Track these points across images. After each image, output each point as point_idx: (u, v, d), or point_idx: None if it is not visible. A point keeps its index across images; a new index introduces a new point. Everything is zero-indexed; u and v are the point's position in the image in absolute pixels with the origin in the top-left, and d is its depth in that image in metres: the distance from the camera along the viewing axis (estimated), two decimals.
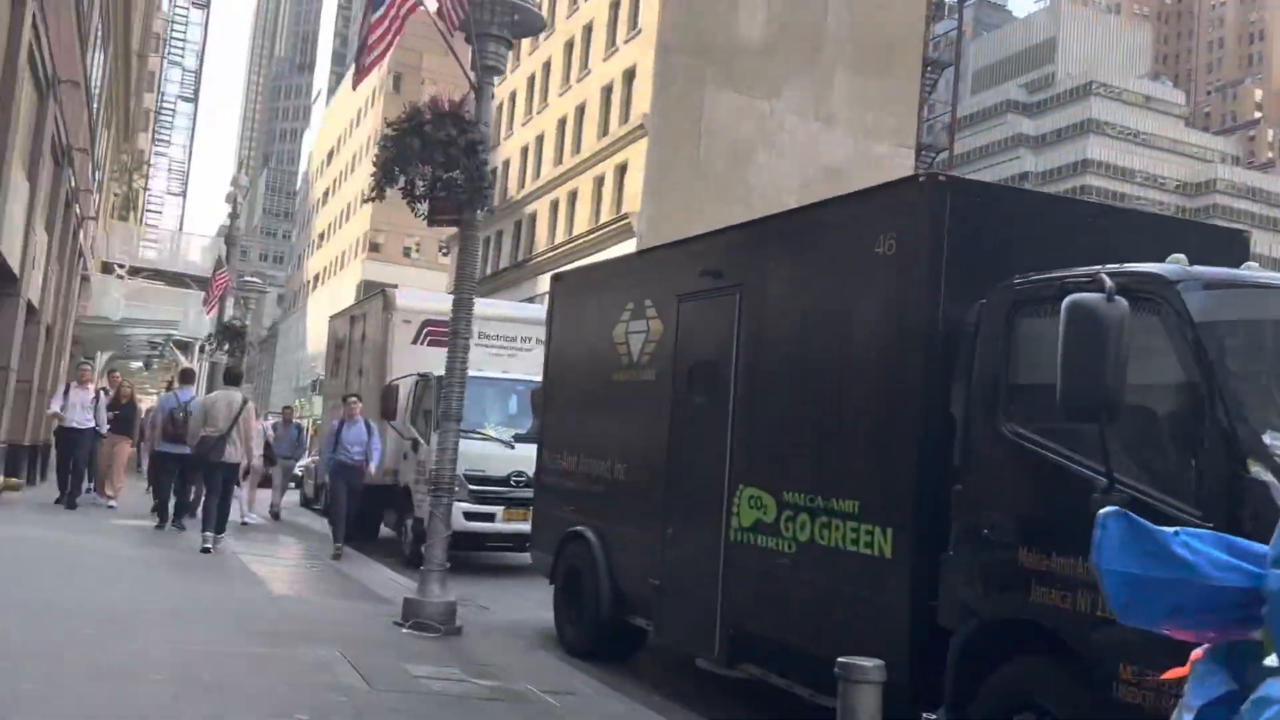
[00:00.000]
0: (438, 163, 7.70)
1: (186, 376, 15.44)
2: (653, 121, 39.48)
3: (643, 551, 7.61)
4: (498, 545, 13.79)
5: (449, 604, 7.97)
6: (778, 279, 6.59)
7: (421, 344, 14.58)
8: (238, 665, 5.77)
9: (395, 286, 17.32)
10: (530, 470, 12.81)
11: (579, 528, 8.49)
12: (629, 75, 41.89)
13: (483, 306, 17.68)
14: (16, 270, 12.94)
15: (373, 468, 13.10)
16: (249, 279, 26.40)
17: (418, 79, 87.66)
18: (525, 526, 13.06)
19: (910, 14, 44.07)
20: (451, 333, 8.29)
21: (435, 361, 14.16)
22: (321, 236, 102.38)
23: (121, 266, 32.71)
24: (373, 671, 6.02)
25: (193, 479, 13.07)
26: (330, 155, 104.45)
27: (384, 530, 15.33)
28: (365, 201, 8.29)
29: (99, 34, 21.34)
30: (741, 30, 41.11)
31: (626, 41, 42.32)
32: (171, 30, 46.30)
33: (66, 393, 14.36)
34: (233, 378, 13.62)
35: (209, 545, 11.44)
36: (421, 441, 13.38)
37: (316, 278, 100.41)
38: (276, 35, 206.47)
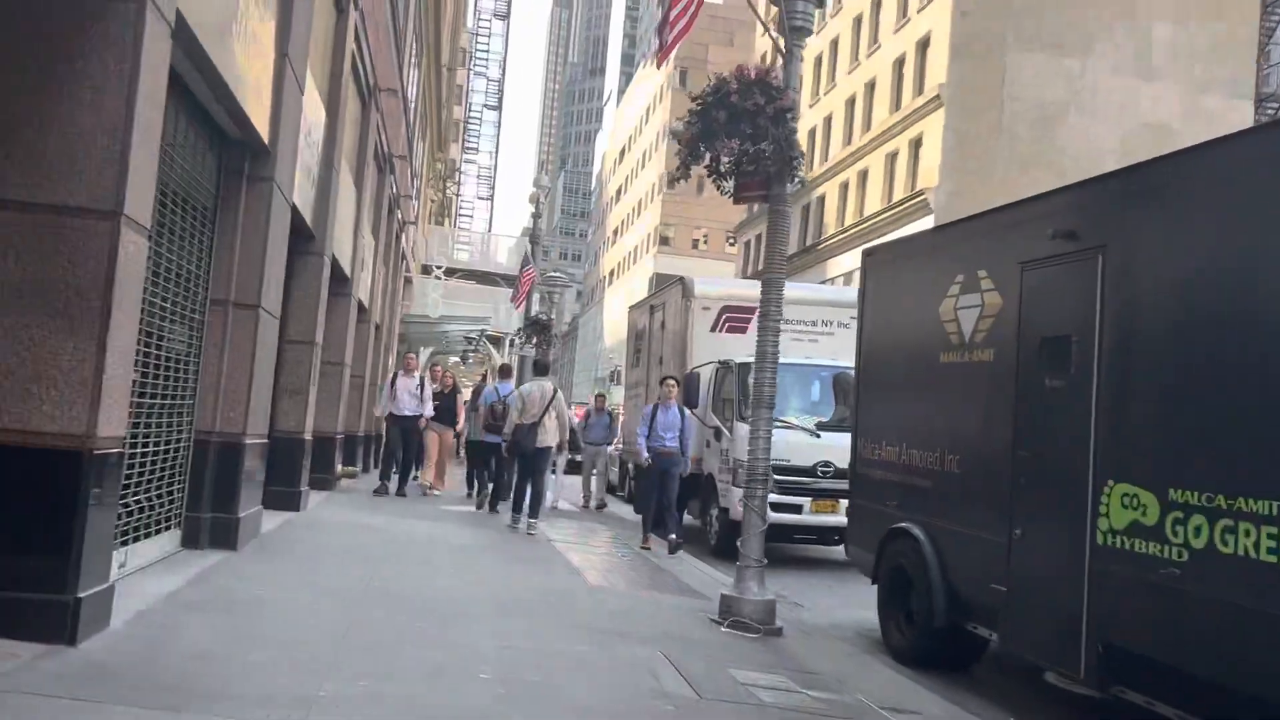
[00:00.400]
0: (745, 134, 7.23)
1: (505, 372, 16.14)
2: (949, 91, 37.46)
3: (983, 553, 6.78)
4: (804, 538, 13.27)
5: (768, 602, 7.52)
6: (1155, 237, 5.57)
7: (720, 331, 14.27)
8: (561, 665, 5.57)
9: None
10: (836, 460, 12.23)
11: (904, 524, 7.77)
12: (923, 45, 39.98)
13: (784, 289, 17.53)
14: (348, 271, 13.86)
15: (686, 461, 12.75)
16: (553, 275, 27.37)
17: (704, 73, 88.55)
18: (833, 519, 12.50)
19: None
20: (762, 314, 7.81)
21: (734, 348, 13.82)
22: (615, 233, 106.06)
23: (438, 268, 35.03)
24: (698, 677, 5.64)
25: (507, 466, 13.58)
26: (621, 154, 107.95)
27: (686, 518, 15.23)
28: (672, 182, 7.94)
29: (413, 50, 22.79)
30: None
31: (920, 10, 40.40)
32: (476, 43, 49.22)
33: (394, 382, 15.03)
34: (541, 369, 14.11)
35: (527, 529, 12.08)
36: (724, 430, 13.06)
37: (611, 273, 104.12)
38: (569, 42, 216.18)
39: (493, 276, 39.74)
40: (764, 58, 59.42)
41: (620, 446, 18.24)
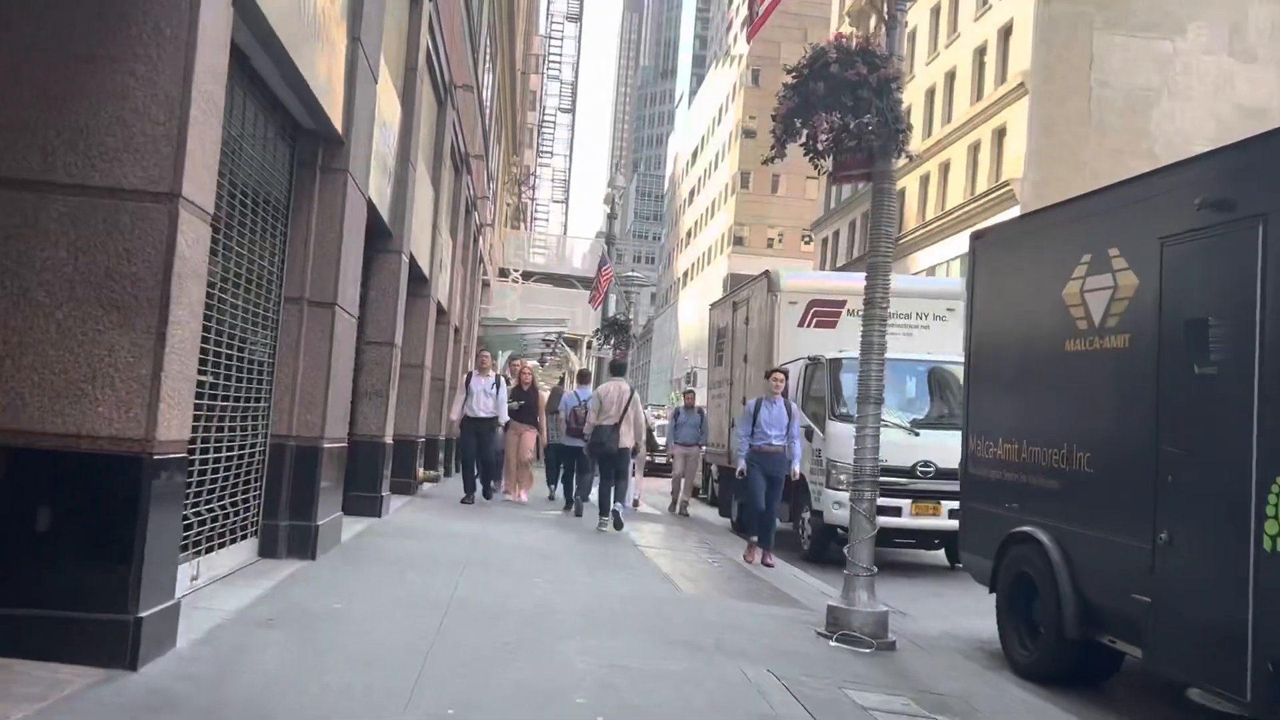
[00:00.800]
0: (846, 107, 6.66)
1: (584, 377, 16.01)
2: (1034, 78, 36.18)
3: (1121, 559, 6.11)
4: (903, 542, 12.59)
5: (879, 614, 6.94)
6: None
7: (809, 326, 13.65)
8: (661, 685, 5.07)
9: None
10: (936, 459, 11.54)
11: (1027, 528, 7.11)
12: (1005, 32, 38.69)
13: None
14: (426, 271, 13.59)
15: (795, 466, 11.33)
16: (630, 274, 26.95)
17: (777, 71, 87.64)
18: (934, 522, 11.82)
19: None
20: (867, 301, 7.22)
21: (823, 344, 13.19)
22: (689, 234, 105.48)
23: (515, 271, 34.93)
24: (813, 700, 5.10)
25: (589, 467, 13.54)
26: (694, 155, 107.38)
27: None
28: (765, 162, 7.37)
29: (487, 53, 22.59)
30: None
31: None
32: (549, 46, 49.16)
33: (469, 381, 14.09)
34: (618, 369, 13.98)
35: (611, 527, 12.11)
36: (815, 429, 12.44)
37: (685, 274, 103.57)
38: (640, 45, 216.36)
39: (569, 279, 39.56)
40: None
41: (705, 448, 17.48)
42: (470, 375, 14.44)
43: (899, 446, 11.73)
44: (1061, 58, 36.44)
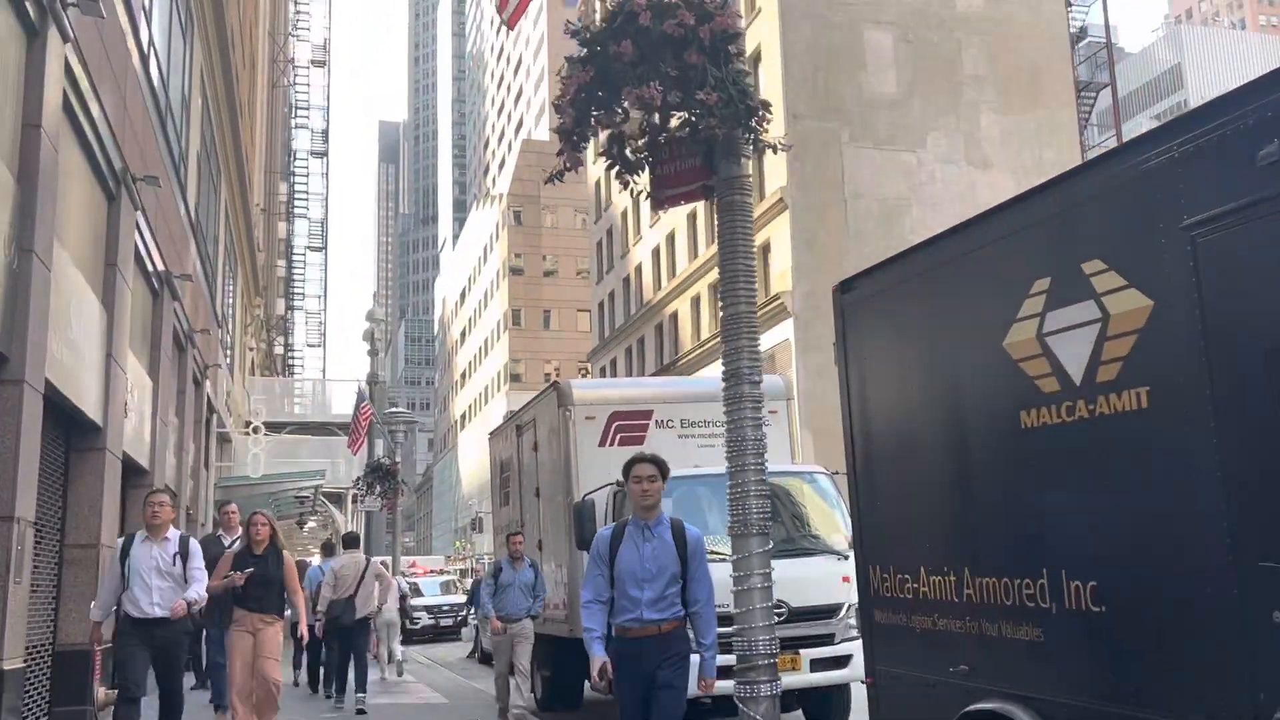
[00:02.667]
0: (668, 78, 4.26)
1: (327, 549, 15.42)
2: (791, 193, 36.37)
3: None
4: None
5: None
6: None
7: (612, 444, 11.02)
8: None
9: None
10: (789, 597, 9.00)
11: (991, 704, 4.65)
12: (759, 151, 38.96)
13: (677, 388, 13.74)
14: (146, 464, 12.65)
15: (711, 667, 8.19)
16: (394, 410, 23.63)
17: (537, 208, 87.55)
18: (797, 679, 9.26)
19: (1049, 38, 40.85)
20: (730, 375, 4.75)
21: None
22: (463, 376, 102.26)
23: (256, 420, 30.70)
24: None
25: (328, 644, 12.89)
26: (463, 295, 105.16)
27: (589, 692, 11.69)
28: (547, 181, 4.83)
29: (214, 192, 19.69)
30: (871, 84, 38.39)
31: None
32: (294, 183, 45.90)
33: (124, 555, 7.71)
34: (351, 540, 13.34)
35: (357, 706, 11.55)
36: None
37: (463, 416, 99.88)
38: (399, 194, 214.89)
39: (329, 427, 35.53)
40: (599, 190, 57.88)
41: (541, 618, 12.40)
42: (130, 541, 7.87)
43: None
44: (815, 172, 36.98)
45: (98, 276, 10.00)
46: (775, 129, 31.20)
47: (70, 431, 9.50)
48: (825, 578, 9.34)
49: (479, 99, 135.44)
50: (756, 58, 39.23)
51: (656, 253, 49.54)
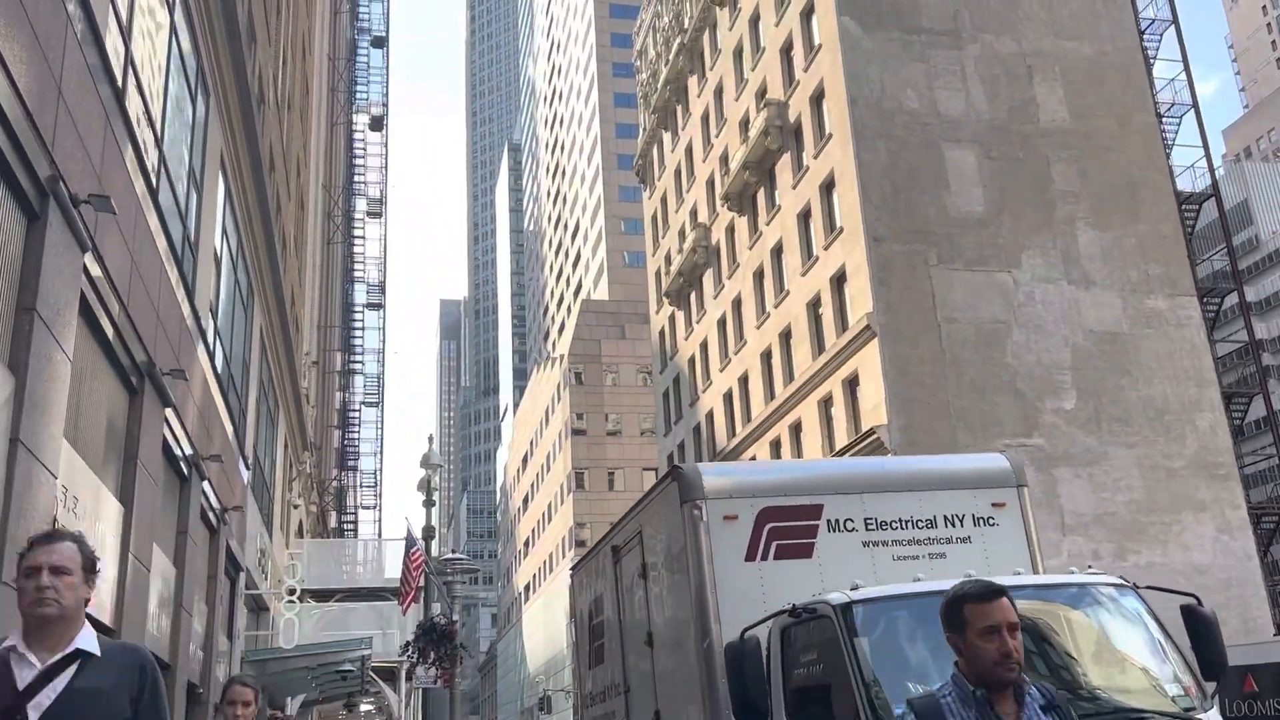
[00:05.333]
0: None
1: None
2: (879, 319, 33.01)
3: None
4: None
5: None
6: None
7: (764, 558, 7.28)
8: None
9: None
10: None
11: None
12: (837, 279, 35.92)
13: (855, 471, 8.84)
14: (167, 658, 11.42)
15: None
16: (453, 556, 19.87)
17: (599, 368, 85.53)
18: None
19: (1143, 147, 37.91)
20: None
21: (801, 583, 7.05)
22: (527, 544, 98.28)
23: (294, 581, 27.11)
24: None
25: None
26: (525, 460, 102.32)
27: None
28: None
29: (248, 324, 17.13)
30: (956, 204, 35.46)
31: (827, 247, 36.78)
32: (351, 335, 44.00)
33: None
34: None
35: None
36: None
37: (527, 587, 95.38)
38: (460, 369, 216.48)
39: (382, 593, 31.92)
40: (663, 338, 54.41)
41: None
42: None
43: None
44: (903, 296, 33.74)
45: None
46: (855, 254, 27.60)
47: None
48: None
49: (538, 268, 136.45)
50: (830, 183, 36.87)
51: (729, 397, 46.26)
